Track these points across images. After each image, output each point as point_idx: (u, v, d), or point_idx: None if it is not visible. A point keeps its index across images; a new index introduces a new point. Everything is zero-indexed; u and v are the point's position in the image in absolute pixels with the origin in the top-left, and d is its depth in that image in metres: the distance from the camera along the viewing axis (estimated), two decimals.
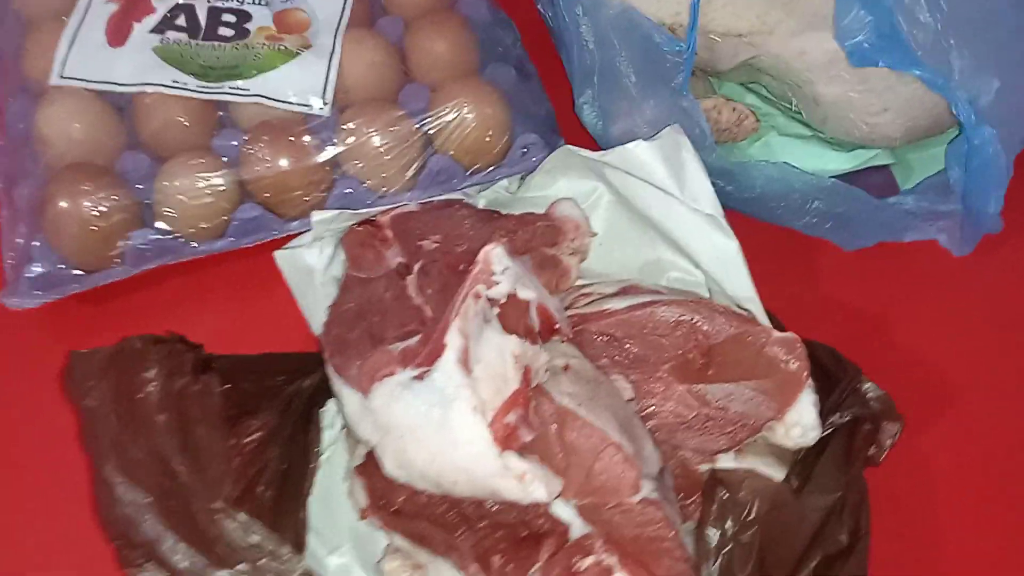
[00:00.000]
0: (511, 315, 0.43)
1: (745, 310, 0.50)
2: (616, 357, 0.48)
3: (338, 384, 0.46)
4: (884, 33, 0.42)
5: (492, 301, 0.43)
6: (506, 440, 0.41)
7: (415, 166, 0.56)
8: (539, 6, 0.64)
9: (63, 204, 0.52)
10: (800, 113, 0.58)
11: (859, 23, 0.43)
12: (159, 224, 0.54)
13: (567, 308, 0.50)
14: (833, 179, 0.53)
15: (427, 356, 0.42)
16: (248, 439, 0.48)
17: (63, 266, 0.53)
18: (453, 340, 0.41)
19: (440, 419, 0.41)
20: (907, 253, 0.57)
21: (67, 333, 0.56)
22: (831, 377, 0.49)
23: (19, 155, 0.55)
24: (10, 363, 0.55)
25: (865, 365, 0.50)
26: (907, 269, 0.58)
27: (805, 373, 0.46)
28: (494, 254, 0.43)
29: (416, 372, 0.42)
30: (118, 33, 0.56)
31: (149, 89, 0.55)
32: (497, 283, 0.43)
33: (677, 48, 0.51)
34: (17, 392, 0.54)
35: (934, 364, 0.55)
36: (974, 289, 0.57)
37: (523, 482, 0.41)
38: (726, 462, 0.46)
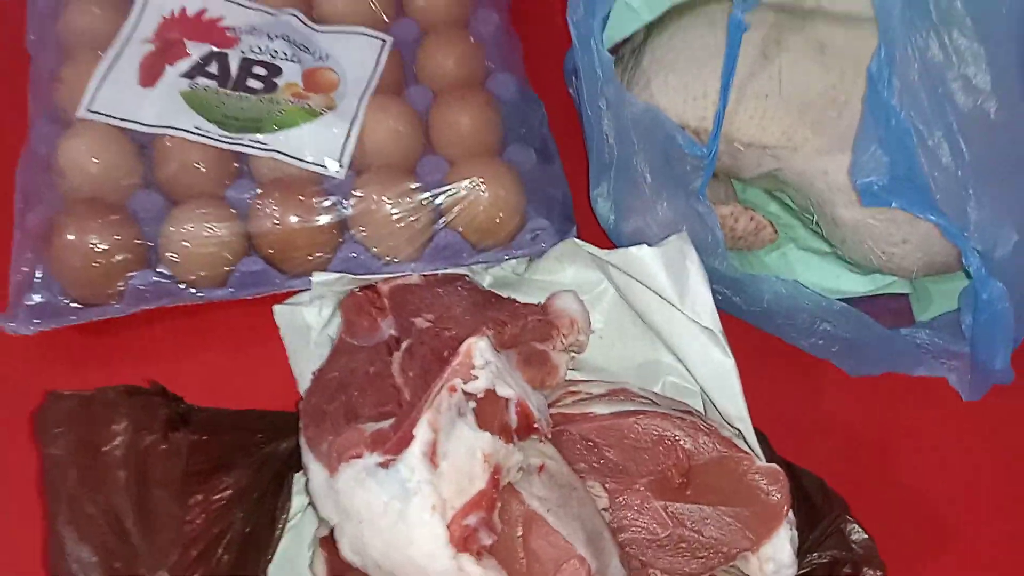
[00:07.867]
0: (487, 411, 0.43)
1: (735, 429, 0.49)
2: (594, 463, 0.47)
3: (307, 457, 0.45)
4: (899, 175, 0.41)
5: (469, 395, 0.42)
6: (463, 542, 0.40)
7: (423, 238, 0.55)
8: (570, 88, 0.64)
9: (69, 237, 0.52)
10: (821, 228, 0.57)
11: (875, 162, 0.41)
12: (161, 268, 0.54)
13: (553, 403, 0.49)
14: (844, 304, 0.51)
15: (395, 444, 0.41)
16: (216, 496, 0.47)
17: (63, 298, 0.53)
18: (422, 432, 0.41)
19: (399, 512, 0.40)
20: (915, 387, 0.55)
21: (60, 361, 0.56)
22: (816, 511, 0.48)
23: (38, 178, 0.56)
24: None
25: (855, 499, 0.48)
26: (913, 404, 0.56)
27: (786, 507, 0.44)
28: (477, 347, 0.43)
29: (383, 459, 0.41)
30: (150, 73, 0.57)
31: (171, 132, 0.55)
32: (476, 377, 0.42)
33: (699, 152, 0.50)
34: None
35: (929, 507, 0.53)
36: (982, 434, 0.55)
37: None
38: None
